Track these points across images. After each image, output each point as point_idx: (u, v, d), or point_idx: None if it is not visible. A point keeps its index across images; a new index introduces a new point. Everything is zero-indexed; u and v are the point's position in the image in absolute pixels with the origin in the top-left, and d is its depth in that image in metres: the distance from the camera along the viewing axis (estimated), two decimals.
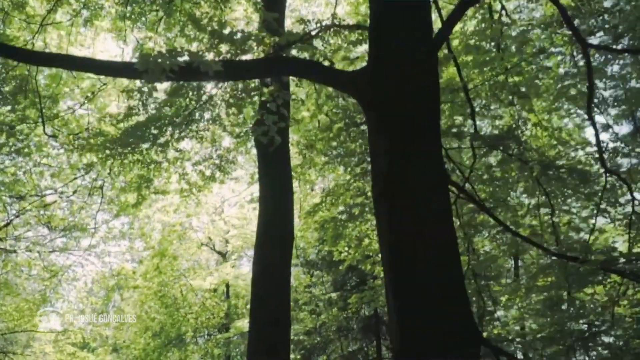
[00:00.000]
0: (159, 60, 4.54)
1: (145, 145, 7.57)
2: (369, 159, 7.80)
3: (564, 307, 7.47)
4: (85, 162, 8.09)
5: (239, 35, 6.06)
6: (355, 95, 5.46)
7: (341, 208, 8.83)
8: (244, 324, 14.10)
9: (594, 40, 7.42)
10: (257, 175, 11.11)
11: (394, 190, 4.73)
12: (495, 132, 7.28)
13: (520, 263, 13.74)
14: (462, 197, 5.79)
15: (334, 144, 8.15)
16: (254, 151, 10.63)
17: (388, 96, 5.00)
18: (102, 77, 11.54)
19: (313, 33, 6.95)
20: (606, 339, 7.45)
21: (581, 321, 7.32)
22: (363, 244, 9.13)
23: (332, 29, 6.96)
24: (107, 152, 7.50)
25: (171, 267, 19.46)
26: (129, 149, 7.39)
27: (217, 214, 13.83)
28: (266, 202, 8.08)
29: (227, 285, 25.37)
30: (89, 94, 10.35)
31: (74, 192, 13.02)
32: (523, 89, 7.60)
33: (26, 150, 10.20)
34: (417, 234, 4.57)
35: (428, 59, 5.12)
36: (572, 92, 8.10)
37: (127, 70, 5.16)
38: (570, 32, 7.53)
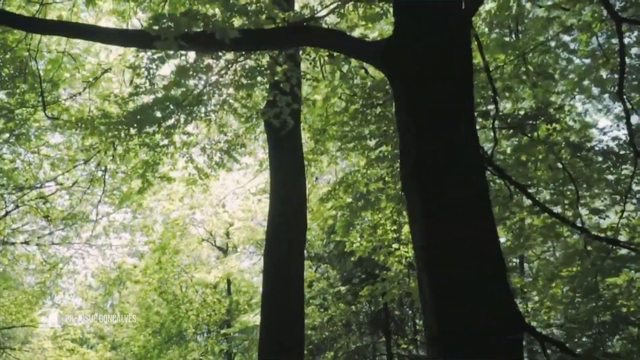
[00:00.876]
0: (172, 23, 4.18)
1: (150, 129, 7.21)
2: (387, 142, 7.47)
3: (587, 296, 7.12)
4: (88, 144, 7.66)
5: (253, 7, 5.72)
6: (381, 67, 5.13)
7: (349, 200, 8.46)
8: (249, 318, 13.72)
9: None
10: (264, 164, 10.80)
11: (427, 168, 4.41)
12: (519, 114, 6.92)
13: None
14: (493, 173, 5.46)
15: (348, 127, 7.79)
16: (262, 139, 10.28)
17: (417, 68, 4.65)
18: (103, 62, 11.21)
19: (331, 7, 6.61)
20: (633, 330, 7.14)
21: (607, 312, 6.99)
22: (377, 233, 8.77)
23: (349, 3, 6.61)
24: (111, 133, 7.13)
25: (172, 264, 19.14)
26: (134, 131, 7.02)
27: (220, 206, 13.44)
28: (277, 189, 7.72)
29: (229, 281, 25.05)
30: (91, 79, 9.97)
31: (74, 183, 12.63)
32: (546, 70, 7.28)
33: (25, 136, 9.81)
34: (453, 213, 4.25)
35: (459, 28, 4.79)
36: (595, 74, 7.79)
37: (137, 38, 4.80)
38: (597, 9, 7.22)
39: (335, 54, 7.74)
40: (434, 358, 4.14)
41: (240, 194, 13.28)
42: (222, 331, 16.27)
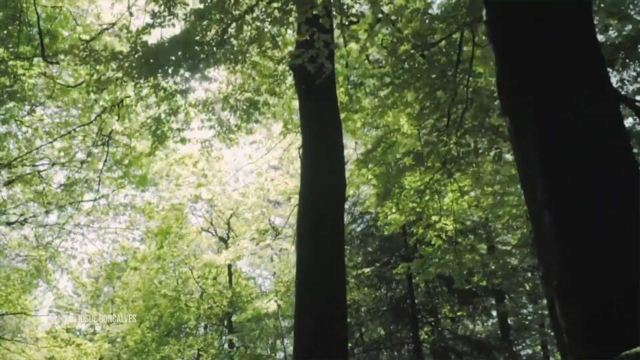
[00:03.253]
0: None
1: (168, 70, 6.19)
2: (444, 88, 6.47)
3: None
4: (93, 83, 6.57)
5: None
6: None
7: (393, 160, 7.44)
8: (262, 304, 12.66)
9: None
10: (289, 124, 9.76)
11: (547, 80, 3.51)
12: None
13: None
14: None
15: (390, 78, 6.80)
16: (287, 98, 9.25)
17: None
18: (104, 18, 10.15)
19: None
20: None
21: None
22: (422, 199, 7.73)
23: None
24: (122, 71, 6.10)
25: (172, 254, 18.18)
26: (149, 70, 6.00)
27: (230, 182, 12.40)
28: (311, 144, 6.73)
29: (230, 273, 24.14)
30: (93, 34, 8.91)
31: (71, 158, 11.57)
32: None
33: (19, 94, 8.74)
34: (583, 135, 3.34)
35: None
36: None
37: None
38: None
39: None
40: (564, 310, 3.24)
41: (252, 170, 12.26)
42: (233, 318, 15.21)
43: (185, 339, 21.51)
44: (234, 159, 12.02)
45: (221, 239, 23.34)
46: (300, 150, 11.51)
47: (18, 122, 11.00)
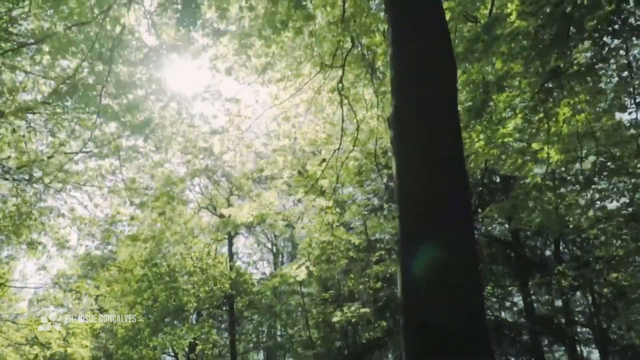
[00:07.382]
0: None
1: None
2: None
3: None
4: None
5: None
6: None
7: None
8: (292, 271, 10.71)
9: None
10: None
11: None
12: None
13: None
14: None
15: None
16: None
17: None
18: None
19: None
20: None
21: None
22: (531, 119, 5.82)
23: None
24: None
25: (171, 231, 16.32)
26: None
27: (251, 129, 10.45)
28: (407, 21, 4.88)
29: (231, 253, 22.36)
30: None
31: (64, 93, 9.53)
32: None
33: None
34: None
35: None
36: None
37: None
38: None
39: None
40: None
41: (277, 115, 10.32)
42: (254, 290, 13.29)
43: (182, 325, 19.72)
44: (257, 101, 10.03)
45: (222, 217, 21.48)
46: (341, 86, 9.74)
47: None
